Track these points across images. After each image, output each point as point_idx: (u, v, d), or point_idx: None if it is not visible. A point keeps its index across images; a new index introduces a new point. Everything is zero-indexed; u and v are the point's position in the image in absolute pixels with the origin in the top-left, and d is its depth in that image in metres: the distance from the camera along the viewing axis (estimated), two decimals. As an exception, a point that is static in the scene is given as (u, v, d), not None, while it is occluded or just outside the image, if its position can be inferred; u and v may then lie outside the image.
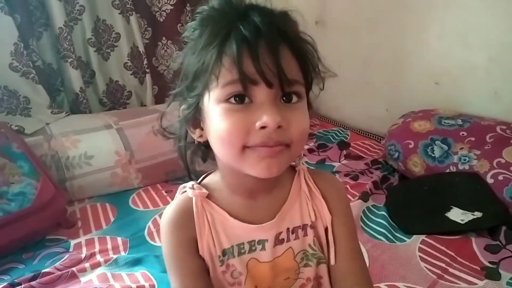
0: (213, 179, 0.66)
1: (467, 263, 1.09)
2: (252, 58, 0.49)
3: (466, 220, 1.21)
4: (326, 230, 0.66)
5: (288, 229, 0.64)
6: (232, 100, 0.52)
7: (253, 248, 0.63)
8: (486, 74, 1.55)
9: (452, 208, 1.27)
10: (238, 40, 0.50)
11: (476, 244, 1.15)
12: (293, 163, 0.68)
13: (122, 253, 1.22)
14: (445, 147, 1.44)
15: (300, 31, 0.57)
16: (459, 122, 1.50)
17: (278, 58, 0.50)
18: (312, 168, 0.67)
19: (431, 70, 1.73)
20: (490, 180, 1.29)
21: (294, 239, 0.65)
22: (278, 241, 0.64)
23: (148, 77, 1.91)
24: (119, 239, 1.28)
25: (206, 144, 0.61)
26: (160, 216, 1.40)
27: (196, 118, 0.59)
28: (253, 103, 0.52)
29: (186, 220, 0.62)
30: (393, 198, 1.42)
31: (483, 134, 1.41)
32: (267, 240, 0.63)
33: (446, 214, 1.25)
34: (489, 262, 1.08)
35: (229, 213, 0.63)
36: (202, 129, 0.59)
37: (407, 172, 1.57)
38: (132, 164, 1.58)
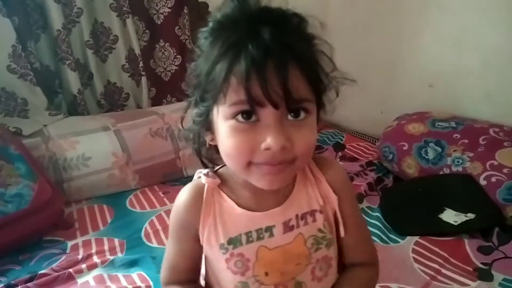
0: (228, 169, 0.67)
1: (460, 264, 1.10)
2: (260, 82, 0.50)
3: (459, 222, 1.23)
4: (334, 212, 0.68)
5: (297, 215, 0.66)
6: (239, 117, 0.53)
7: (261, 236, 0.64)
8: (479, 77, 1.57)
9: (445, 209, 1.29)
10: (247, 61, 0.50)
11: (469, 246, 1.17)
12: None
13: (119, 254, 1.22)
14: (439, 149, 1.46)
15: (313, 40, 0.57)
16: (453, 124, 1.52)
17: (286, 81, 0.50)
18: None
19: (425, 73, 1.75)
20: (483, 182, 1.31)
21: (304, 225, 0.66)
22: (287, 228, 0.65)
23: (144, 80, 1.92)
24: (116, 240, 1.29)
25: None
26: (157, 217, 1.41)
27: (208, 122, 0.60)
28: (259, 121, 0.53)
29: (194, 204, 0.65)
30: (387, 200, 1.44)
31: (476, 137, 1.43)
32: (274, 226, 0.64)
33: (440, 216, 1.27)
34: (482, 263, 1.10)
35: (237, 203, 0.65)
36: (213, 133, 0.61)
37: (401, 174, 1.58)
38: (130, 166, 1.59)
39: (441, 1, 1.61)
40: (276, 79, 0.50)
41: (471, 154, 1.39)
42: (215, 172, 0.68)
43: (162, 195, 1.57)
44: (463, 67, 1.61)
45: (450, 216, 1.25)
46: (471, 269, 1.08)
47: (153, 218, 1.41)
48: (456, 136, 1.46)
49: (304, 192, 0.67)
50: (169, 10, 1.94)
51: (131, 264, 1.17)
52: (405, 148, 1.54)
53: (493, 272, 1.06)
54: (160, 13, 1.95)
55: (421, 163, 1.49)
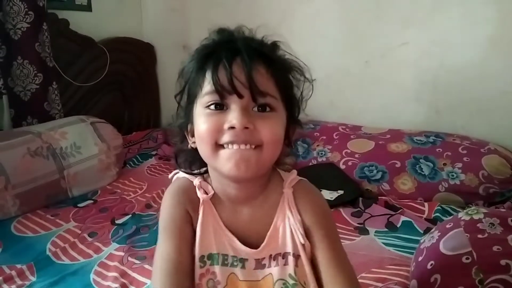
0: (214, 179, 0.70)
1: (344, 226, 1.40)
2: (226, 73, 0.58)
3: (334, 197, 1.54)
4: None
5: (270, 255, 0.68)
6: (212, 107, 0.61)
7: (235, 263, 0.67)
8: (324, 88, 1.98)
9: (321, 190, 1.58)
10: (219, 57, 0.60)
11: (345, 213, 1.48)
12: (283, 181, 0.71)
13: (31, 278, 1.13)
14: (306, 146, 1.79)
15: (285, 57, 0.66)
16: (311, 126, 1.88)
17: (250, 72, 0.58)
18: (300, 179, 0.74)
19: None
20: (342, 166, 1.68)
21: (275, 266, 0.68)
22: (259, 265, 0.68)
23: (5, 99, 1.74)
24: (20, 266, 1.17)
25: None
26: (58, 237, 1.33)
27: (192, 128, 0.66)
28: (228, 109, 0.60)
29: (190, 201, 0.69)
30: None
31: (331, 133, 1.81)
32: (247, 260, 0.68)
33: (319, 196, 1.57)
34: (358, 223, 1.42)
35: (221, 219, 0.69)
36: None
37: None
38: (9, 190, 1.43)
39: (291, 29, 1.98)
40: (241, 71, 0.59)
41: (330, 147, 1.76)
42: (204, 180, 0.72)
43: (52, 217, 1.46)
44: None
45: (326, 194, 1.56)
46: (352, 229, 1.38)
47: (54, 238, 1.32)
48: (317, 134, 1.82)
49: (281, 232, 0.68)
50: (28, 25, 1.82)
51: (52, 285, 1.10)
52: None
53: (367, 227, 1.39)
54: (17, 28, 1.81)
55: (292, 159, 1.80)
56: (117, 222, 1.44)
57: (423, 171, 1.55)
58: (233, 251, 0.68)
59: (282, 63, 0.65)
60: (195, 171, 0.73)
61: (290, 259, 0.67)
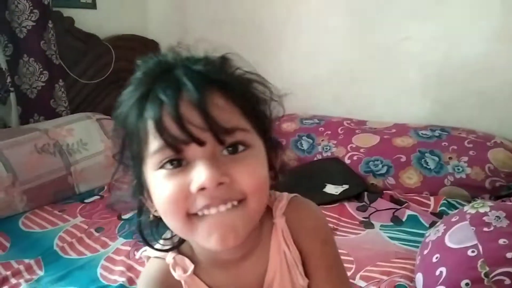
0: (189, 247, 0.57)
1: (349, 221, 1.40)
2: (173, 117, 0.43)
3: (339, 192, 1.54)
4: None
5: None
6: (167, 165, 0.46)
7: None
8: (328, 83, 1.98)
9: (326, 185, 1.60)
10: (156, 99, 0.45)
11: (350, 207, 1.48)
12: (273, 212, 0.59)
13: (39, 272, 1.14)
14: (310, 141, 1.79)
15: (240, 72, 0.51)
16: (316, 121, 1.88)
17: (205, 108, 0.44)
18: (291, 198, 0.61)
19: (286, 83, 2.09)
20: (347, 161, 1.68)
21: None
22: None
23: (12, 96, 1.76)
24: (28, 261, 1.19)
25: None
26: (65, 233, 1.35)
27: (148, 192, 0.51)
28: (189, 164, 0.45)
29: None
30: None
31: (336, 128, 1.81)
32: None
33: (324, 190, 1.57)
34: (363, 218, 1.41)
35: None
36: None
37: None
38: (16, 187, 1.45)
39: (296, 24, 1.97)
40: (192, 110, 0.44)
41: (335, 141, 1.76)
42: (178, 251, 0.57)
43: (59, 213, 1.48)
44: (315, 76, 2.00)
45: (331, 189, 1.57)
46: (357, 223, 1.38)
47: (61, 233, 1.34)
48: (321, 129, 1.82)
49: (284, 270, 0.58)
50: (33, 23, 1.84)
51: (59, 279, 1.12)
52: (284, 143, 1.83)
53: (372, 222, 1.39)
54: (23, 27, 1.82)
55: (297, 154, 1.80)
56: (123, 217, 1.44)
57: (428, 165, 1.54)
58: None
59: (239, 80, 0.51)
60: (167, 243, 0.58)
61: None
